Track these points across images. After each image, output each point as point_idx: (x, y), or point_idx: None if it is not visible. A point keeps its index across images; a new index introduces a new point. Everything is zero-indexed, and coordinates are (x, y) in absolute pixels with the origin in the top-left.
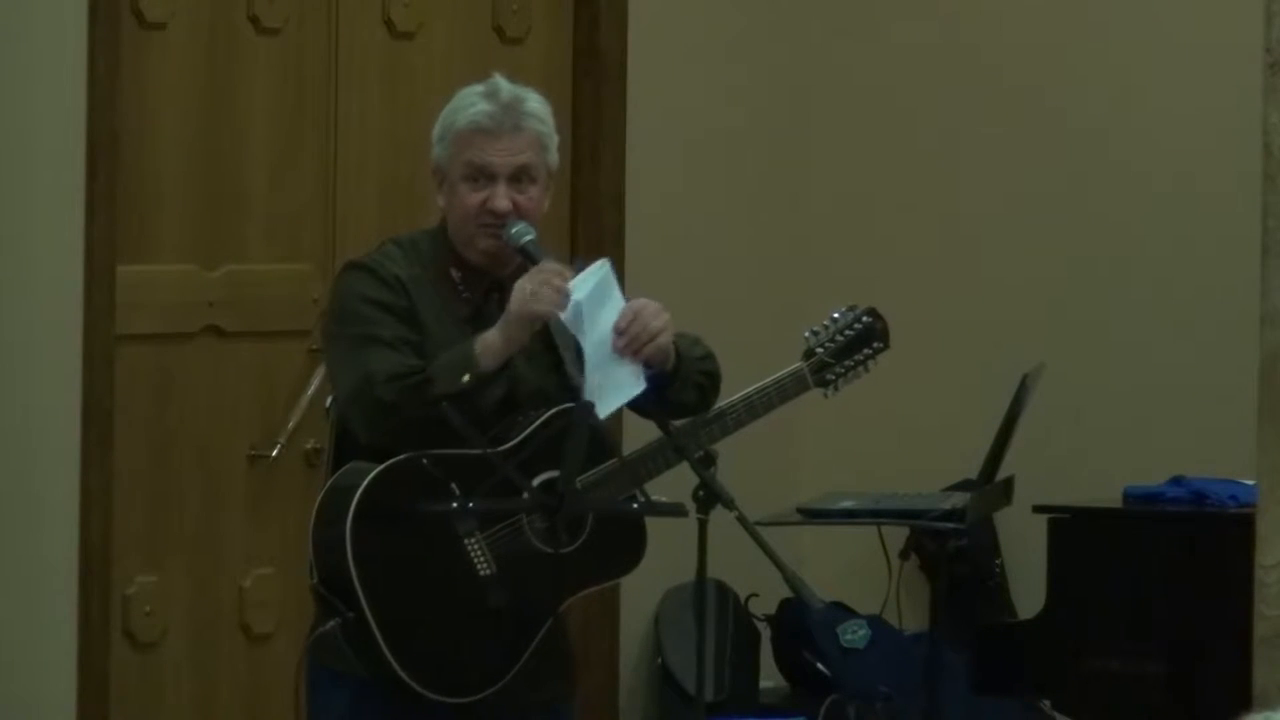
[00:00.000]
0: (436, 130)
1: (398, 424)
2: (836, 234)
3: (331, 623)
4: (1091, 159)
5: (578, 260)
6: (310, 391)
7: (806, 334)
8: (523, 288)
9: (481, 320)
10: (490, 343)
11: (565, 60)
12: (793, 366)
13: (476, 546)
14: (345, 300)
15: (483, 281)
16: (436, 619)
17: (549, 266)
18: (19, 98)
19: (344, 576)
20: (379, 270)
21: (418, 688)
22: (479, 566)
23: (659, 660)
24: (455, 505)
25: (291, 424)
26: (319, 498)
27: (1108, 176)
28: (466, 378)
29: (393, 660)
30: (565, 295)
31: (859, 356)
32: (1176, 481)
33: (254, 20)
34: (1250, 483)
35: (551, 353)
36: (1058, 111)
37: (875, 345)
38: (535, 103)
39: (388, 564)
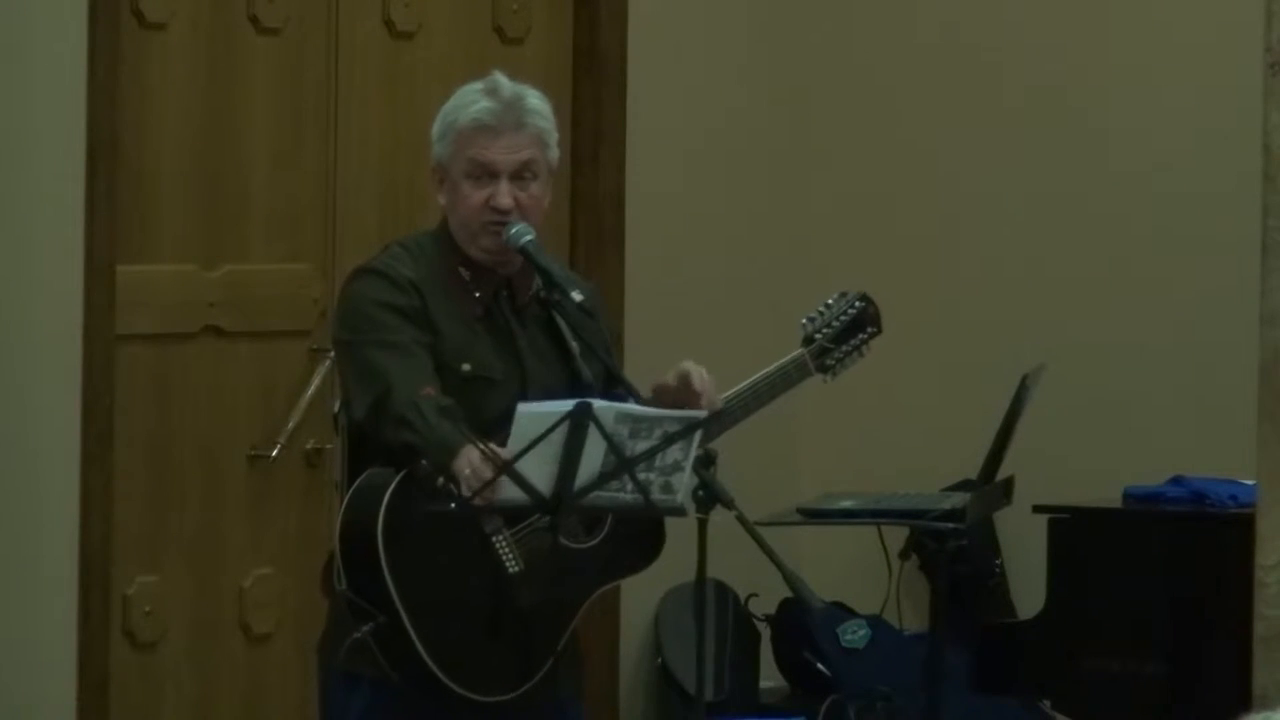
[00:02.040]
0: (436, 129)
1: (396, 454)
2: (836, 234)
3: (365, 628)
4: (1092, 158)
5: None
6: (310, 391)
7: (804, 320)
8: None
9: (493, 319)
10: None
11: (565, 60)
12: (794, 353)
13: (504, 544)
14: (358, 305)
15: (492, 280)
16: (469, 618)
17: (468, 462)
18: (19, 98)
19: (377, 582)
20: (390, 273)
21: (456, 688)
22: (507, 564)
23: (659, 660)
24: (454, 505)
25: (291, 424)
26: (344, 504)
27: (1108, 176)
28: (441, 481)
29: (430, 662)
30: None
31: (854, 342)
32: (1176, 481)
33: (254, 20)
34: (1250, 483)
35: (561, 352)
36: (1058, 111)
37: (869, 330)
38: (536, 99)
39: (419, 566)
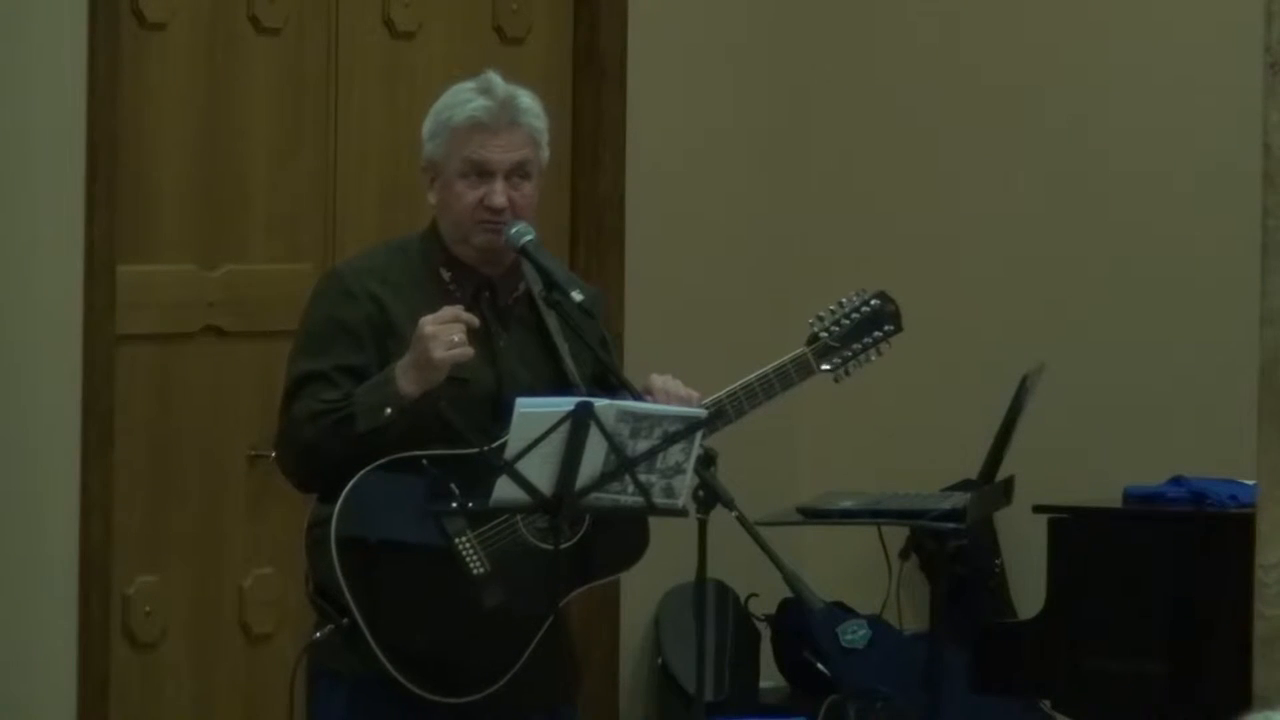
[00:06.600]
0: (428, 127)
1: (319, 464)
2: (836, 234)
3: (328, 628)
4: (1091, 159)
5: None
6: None
7: (811, 320)
8: (421, 332)
9: None
10: (402, 381)
11: (565, 60)
12: (795, 351)
13: (468, 545)
14: (309, 312)
15: (473, 280)
16: (431, 620)
17: (446, 313)
18: (19, 98)
19: (334, 583)
20: (349, 281)
21: (416, 690)
22: (471, 565)
23: (659, 660)
24: (442, 509)
25: None
26: (311, 507)
27: (1107, 176)
28: (388, 412)
29: (387, 663)
30: (460, 341)
31: (868, 340)
32: (1176, 481)
33: (254, 20)
34: (1250, 483)
35: (549, 355)
36: (1058, 111)
37: (886, 328)
38: (528, 99)
39: (376, 568)
